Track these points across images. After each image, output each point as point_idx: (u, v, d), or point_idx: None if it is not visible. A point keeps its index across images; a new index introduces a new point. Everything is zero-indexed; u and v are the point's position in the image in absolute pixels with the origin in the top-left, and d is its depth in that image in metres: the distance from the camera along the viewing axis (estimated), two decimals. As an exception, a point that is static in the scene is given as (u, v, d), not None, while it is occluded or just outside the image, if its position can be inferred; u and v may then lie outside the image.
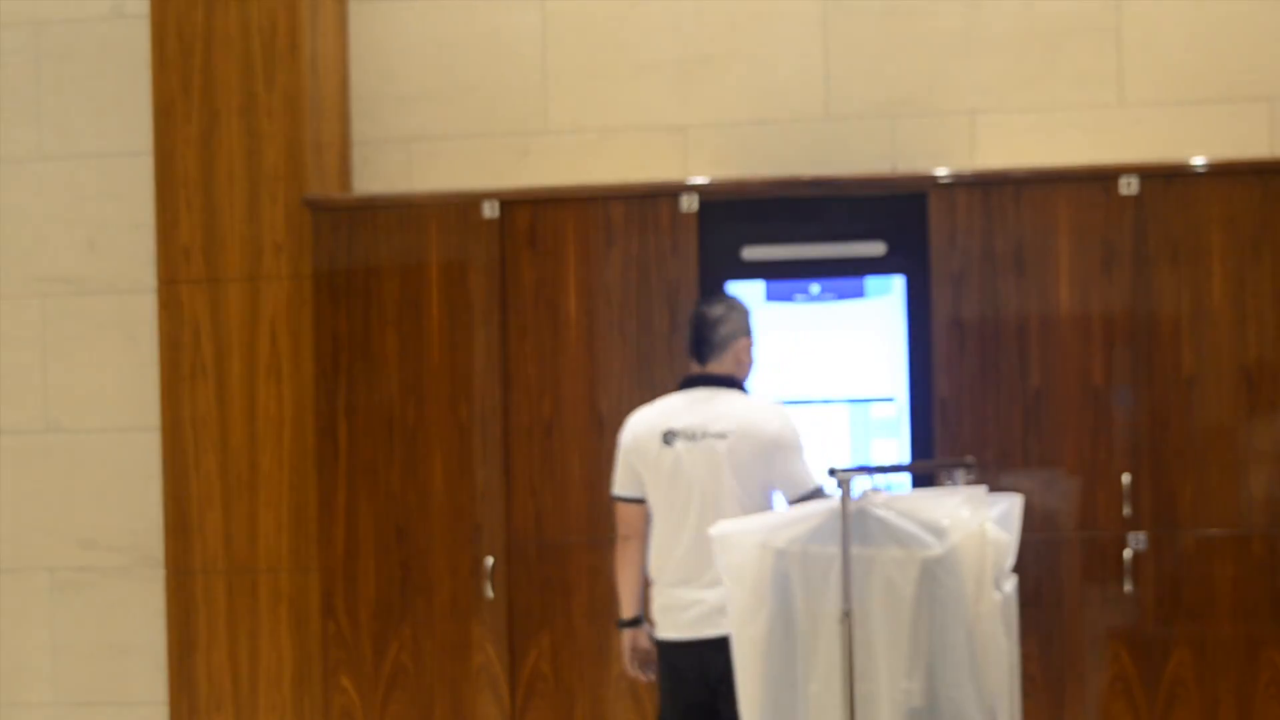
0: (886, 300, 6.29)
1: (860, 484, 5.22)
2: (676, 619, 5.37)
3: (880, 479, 5.30)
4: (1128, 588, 6.04)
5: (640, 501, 5.46)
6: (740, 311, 5.41)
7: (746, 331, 5.41)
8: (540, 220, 6.32)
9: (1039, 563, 6.05)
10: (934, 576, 5.08)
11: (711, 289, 6.26)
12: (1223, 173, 6.07)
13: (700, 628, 5.33)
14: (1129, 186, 6.08)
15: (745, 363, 5.42)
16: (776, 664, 5.18)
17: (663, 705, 5.45)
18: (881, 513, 5.14)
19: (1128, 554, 6.04)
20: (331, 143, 6.69)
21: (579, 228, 6.30)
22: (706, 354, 5.37)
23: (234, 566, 6.51)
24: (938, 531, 5.10)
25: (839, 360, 6.31)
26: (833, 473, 5.16)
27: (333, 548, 6.36)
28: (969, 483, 5.35)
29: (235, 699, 6.51)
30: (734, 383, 5.38)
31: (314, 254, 6.40)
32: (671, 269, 6.25)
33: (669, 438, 5.34)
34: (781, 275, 6.29)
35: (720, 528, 5.36)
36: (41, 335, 6.96)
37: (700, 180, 6.33)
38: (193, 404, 6.51)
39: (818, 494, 5.28)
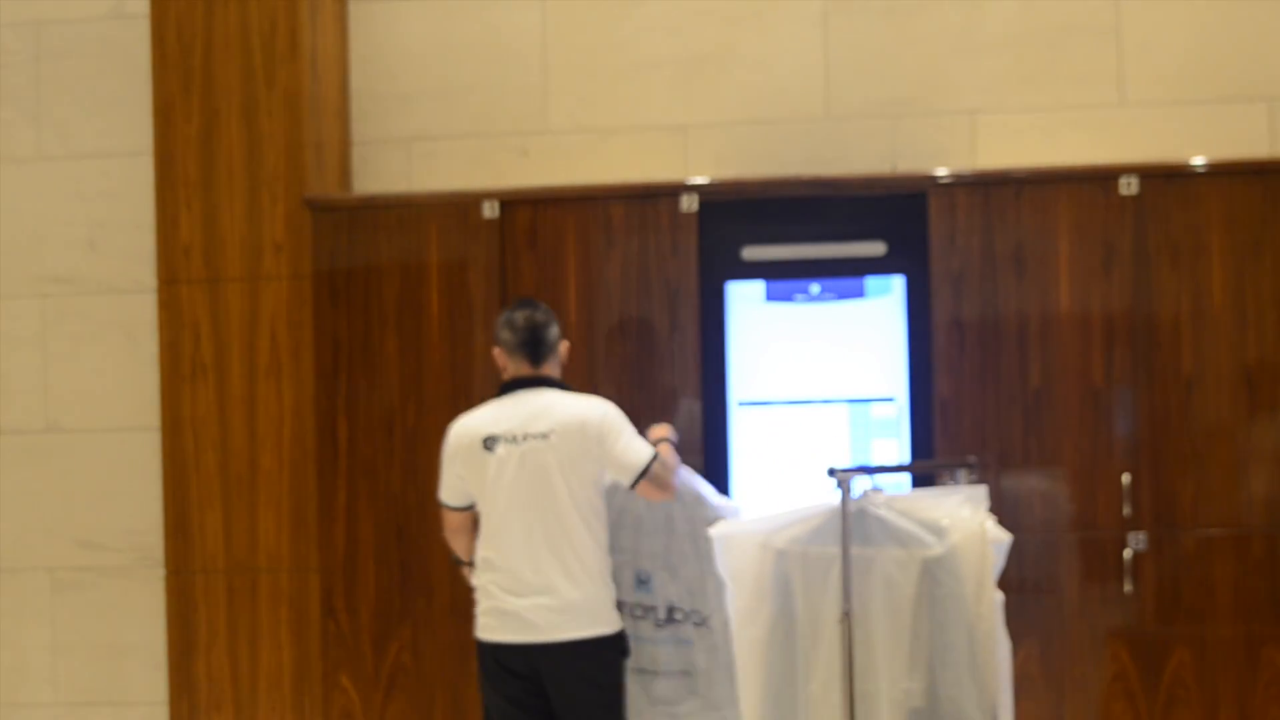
0: (886, 300, 6.28)
1: (860, 484, 5.22)
2: (511, 623, 5.26)
3: (879, 479, 5.31)
4: (1128, 588, 6.04)
5: (467, 509, 5.44)
6: (553, 315, 5.47)
7: (562, 334, 5.52)
8: (540, 220, 6.32)
9: (1039, 563, 6.05)
10: (934, 576, 5.08)
11: (711, 289, 6.27)
12: (1223, 173, 6.07)
13: (543, 632, 5.23)
14: (1129, 186, 6.08)
15: (564, 364, 5.52)
16: (777, 664, 5.19)
17: (487, 705, 5.38)
18: (881, 513, 5.15)
19: (1128, 554, 6.04)
20: (331, 143, 6.69)
21: (579, 228, 6.30)
22: (543, 355, 5.39)
23: (234, 566, 6.51)
24: (938, 531, 5.11)
25: (839, 360, 6.31)
26: (833, 473, 5.17)
27: (333, 548, 6.36)
28: (970, 482, 5.36)
29: (235, 699, 6.51)
30: (556, 383, 5.41)
31: (314, 254, 6.40)
32: (671, 269, 6.25)
33: (489, 443, 5.31)
34: (781, 275, 6.29)
35: (720, 528, 5.37)
36: (41, 335, 6.96)
37: (700, 180, 6.33)
38: (193, 404, 6.51)
39: (652, 464, 5.26)
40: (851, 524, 5.10)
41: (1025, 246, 6.12)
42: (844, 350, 6.31)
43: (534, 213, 6.32)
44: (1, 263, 6.98)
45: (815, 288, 6.30)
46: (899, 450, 6.25)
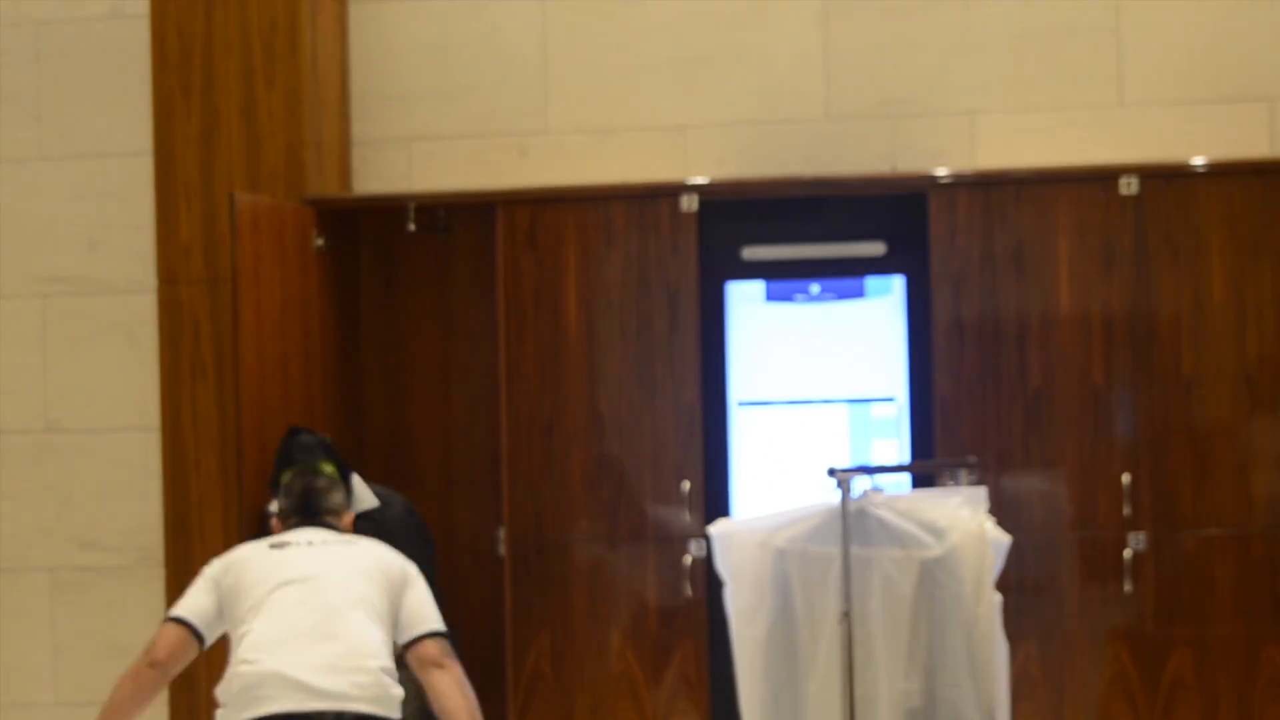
0: (886, 300, 6.29)
1: (860, 484, 5.23)
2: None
3: (879, 479, 5.31)
4: (1128, 588, 6.04)
5: (196, 633, 4.77)
6: (341, 483, 5.11)
7: (349, 505, 5.12)
8: (540, 220, 6.32)
9: (1039, 563, 6.05)
10: (933, 576, 5.09)
11: (711, 289, 6.27)
12: (1223, 173, 6.07)
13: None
14: (1129, 186, 6.08)
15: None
16: (776, 663, 5.19)
17: None
18: (881, 513, 5.15)
19: (1128, 554, 6.04)
20: (331, 143, 6.69)
21: (579, 228, 6.30)
22: (322, 515, 4.96)
23: (234, 566, 6.50)
24: (937, 532, 5.11)
25: (839, 360, 6.31)
26: (833, 473, 5.17)
27: (333, 548, 6.36)
28: (971, 483, 5.36)
29: (235, 699, 6.50)
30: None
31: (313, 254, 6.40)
32: (671, 269, 6.25)
33: (278, 546, 4.82)
34: (781, 275, 6.29)
35: (720, 527, 5.37)
36: (41, 335, 6.96)
37: (700, 180, 6.33)
38: (193, 404, 6.51)
39: (450, 640, 4.79)
40: (851, 524, 5.10)
41: (1025, 246, 6.12)
42: (844, 350, 6.32)
43: (534, 213, 6.32)
44: (1, 263, 6.98)
45: (815, 288, 6.30)
46: (899, 450, 6.25)
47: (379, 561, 4.81)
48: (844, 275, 6.29)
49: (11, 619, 6.97)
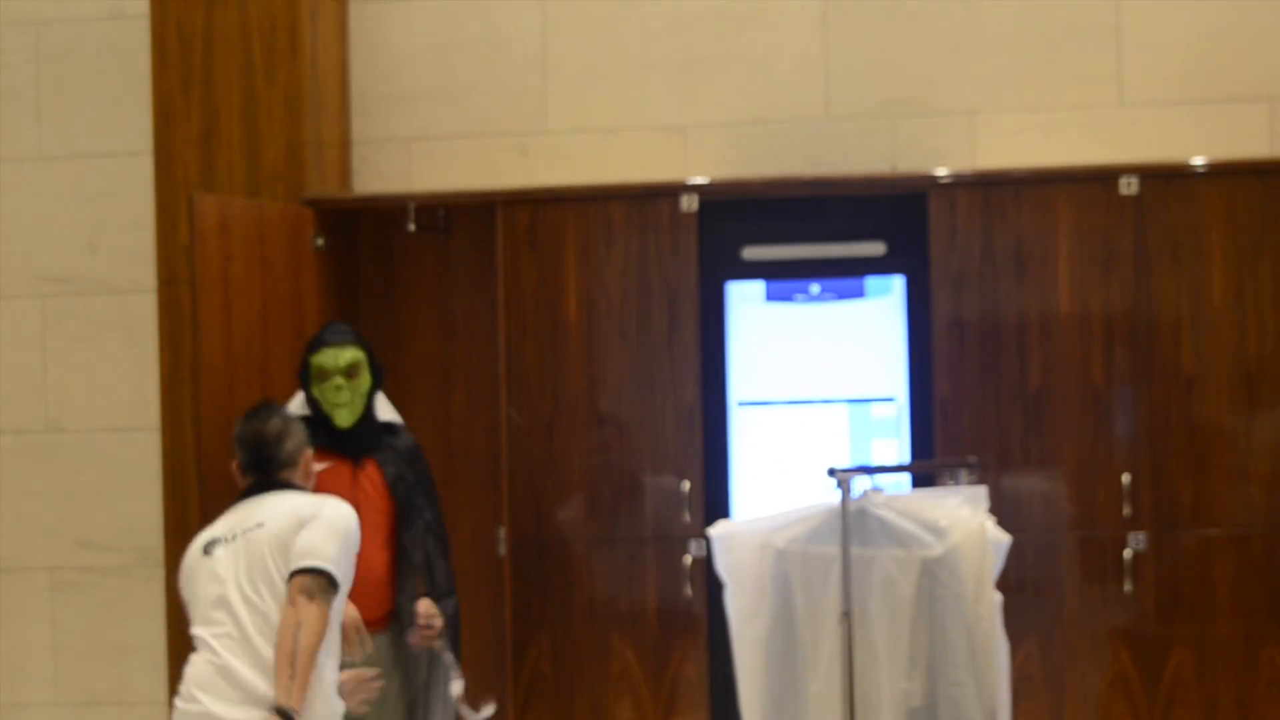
0: (886, 300, 6.29)
1: (860, 484, 5.23)
2: None
3: (879, 479, 5.31)
4: (1128, 588, 6.04)
5: None
6: (295, 423, 5.06)
7: (307, 441, 5.08)
8: (540, 220, 6.32)
9: (1039, 563, 6.05)
10: (934, 576, 5.09)
11: (711, 289, 6.27)
12: (1223, 173, 6.07)
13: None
14: (1129, 186, 6.08)
15: (311, 474, 5.08)
16: (777, 664, 5.19)
17: None
18: (881, 513, 5.15)
19: (1128, 554, 6.04)
20: (331, 142, 6.69)
21: (579, 228, 6.30)
22: (275, 470, 4.96)
23: (234, 566, 6.50)
24: (937, 531, 5.12)
25: (839, 360, 6.31)
26: (833, 473, 5.17)
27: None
28: (971, 483, 5.36)
29: (235, 699, 6.50)
30: (293, 486, 4.98)
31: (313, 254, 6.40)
32: (671, 269, 6.25)
33: (209, 548, 4.85)
34: (781, 275, 6.29)
35: (720, 527, 5.37)
36: (41, 335, 6.96)
37: (700, 180, 6.33)
38: (192, 404, 6.50)
39: (323, 576, 4.67)
40: (851, 524, 5.10)
41: (1025, 246, 6.12)
42: (844, 350, 6.32)
43: (534, 213, 6.32)
44: (1, 263, 6.98)
45: (815, 288, 6.30)
46: (899, 450, 6.25)
47: (289, 528, 4.76)
48: (844, 275, 6.29)
49: (11, 619, 6.97)
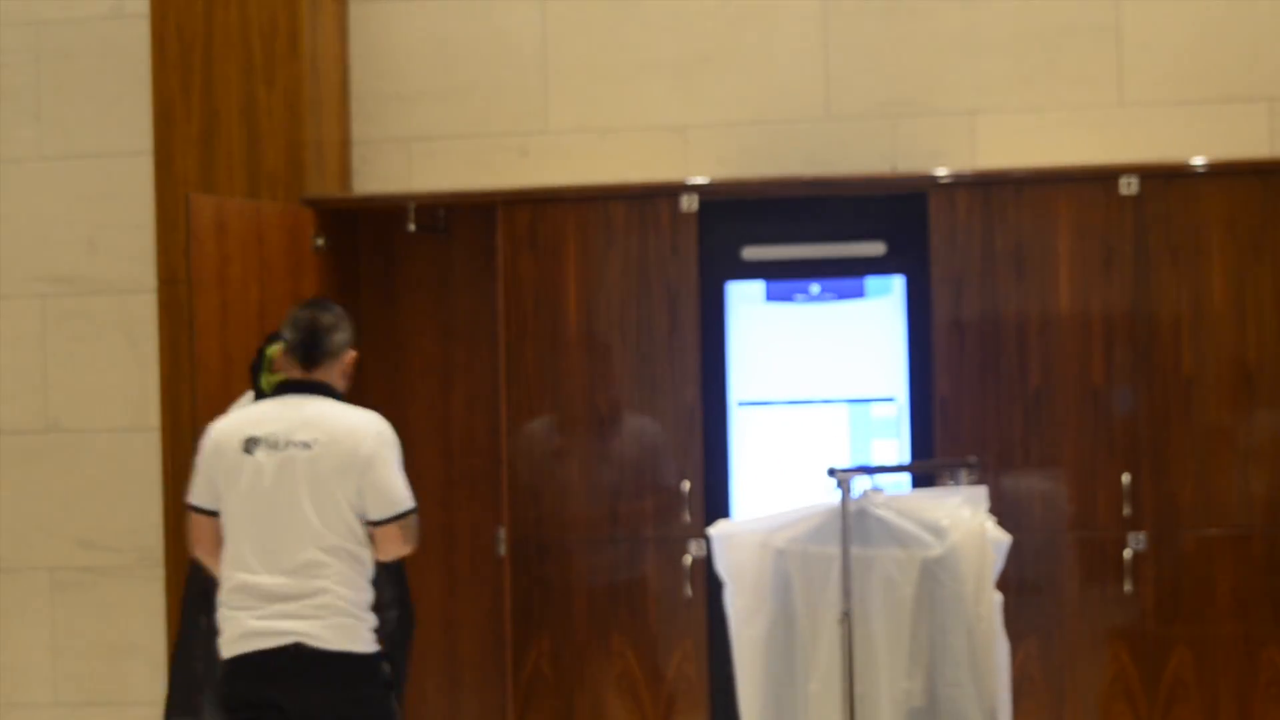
0: (886, 300, 6.29)
1: (860, 484, 5.23)
2: (254, 644, 4.81)
3: (879, 479, 5.31)
4: (1128, 588, 6.04)
5: (214, 515, 4.94)
6: (349, 323, 5.08)
7: (353, 344, 5.10)
8: (540, 220, 6.32)
9: (1039, 563, 6.05)
10: (934, 576, 5.09)
11: (711, 289, 6.27)
12: (1223, 173, 6.07)
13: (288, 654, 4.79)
14: (1129, 186, 6.08)
15: (349, 375, 5.10)
16: (776, 664, 5.19)
17: None
18: (881, 513, 5.15)
19: (1128, 554, 6.04)
20: (331, 143, 6.69)
21: (579, 228, 6.30)
22: (317, 359, 4.98)
23: (234, 566, 6.50)
24: (938, 531, 5.11)
25: (839, 360, 6.31)
26: (833, 473, 5.17)
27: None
28: (971, 483, 5.36)
29: (235, 699, 6.50)
30: (331, 391, 5.00)
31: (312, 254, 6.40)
32: (671, 269, 6.25)
33: (250, 445, 4.88)
34: (781, 275, 6.29)
35: (720, 527, 5.37)
36: (41, 335, 6.96)
37: (700, 180, 6.33)
38: (192, 404, 6.50)
39: (411, 514, 4.89)
40: (851, 524, 5.10)
41: (1025, 246, 6.12)
42: (844, 350, 6.32)
43: (534, 213, 6.32)
44: (1, 263, 6.98)
45: (815, 288, 6.30)
46: (899, 450, 6.25)
47: (348, 463, 4.88)
48: (844, 275, 6.29)
49: (11, 619, 6.97)
